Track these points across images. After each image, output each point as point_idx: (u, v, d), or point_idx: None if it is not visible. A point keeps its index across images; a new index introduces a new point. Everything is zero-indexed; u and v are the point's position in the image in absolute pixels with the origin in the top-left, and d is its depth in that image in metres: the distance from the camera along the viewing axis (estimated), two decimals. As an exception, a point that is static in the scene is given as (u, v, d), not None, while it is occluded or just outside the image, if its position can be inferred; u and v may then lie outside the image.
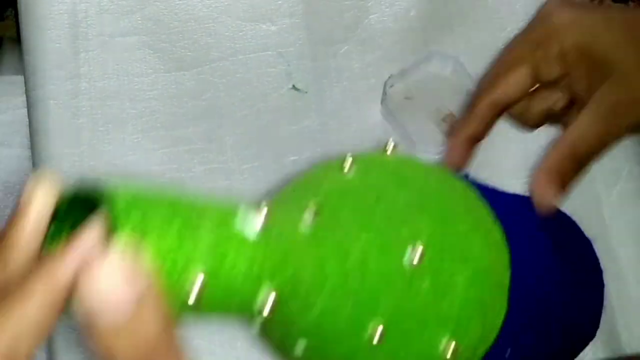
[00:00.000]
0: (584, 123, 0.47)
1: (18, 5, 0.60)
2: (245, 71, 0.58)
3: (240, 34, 0.59)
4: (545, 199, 0.47)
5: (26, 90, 0.58)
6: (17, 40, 0.66)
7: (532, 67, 0.49)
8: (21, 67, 0.59)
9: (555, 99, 0.51)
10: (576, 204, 0.53)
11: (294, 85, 0.58)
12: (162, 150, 0.56)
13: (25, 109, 0.58)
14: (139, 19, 0.59)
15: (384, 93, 0.57)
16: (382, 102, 0.57)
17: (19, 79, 0.60)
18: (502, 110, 0.50)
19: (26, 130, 0.58)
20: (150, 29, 0.59)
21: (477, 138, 0.51)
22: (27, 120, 0.58)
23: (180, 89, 0.58)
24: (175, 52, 0.59)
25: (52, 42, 0.58)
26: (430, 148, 0.55)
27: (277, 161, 0.56)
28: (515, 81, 0.50)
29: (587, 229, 0.51)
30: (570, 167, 0.48)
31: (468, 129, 0.50)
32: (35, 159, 0.57)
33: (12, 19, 0.87)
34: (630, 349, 0.49)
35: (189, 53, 0.59)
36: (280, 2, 0.60)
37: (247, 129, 0.57)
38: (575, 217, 0.51)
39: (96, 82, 0.57)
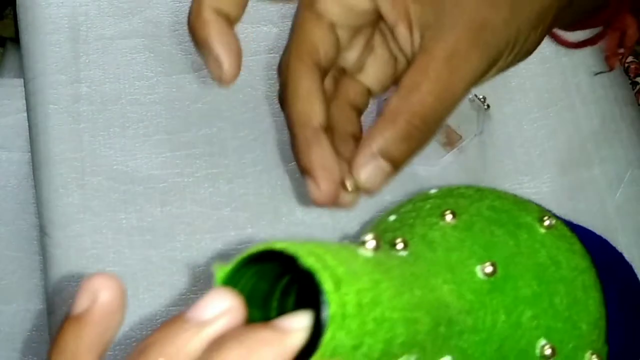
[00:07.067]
0: (420, 87, 0.36)
1: (17, 9, 0.59)
2: (247, 74, 0.58)
3: (242, 36, 0.58)
4: (377, 186, 0.37)
5: (26, 94, 0.58)
6: (17, 41, 0.66)
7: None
8: (22, 70, 0.59)
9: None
10: (580, 208, 0.53)
11: (295, 88, 0.58)
12: (163, 154, 0.56)
13: (26, 113, 0.58)
14: (139, 21, 0.59)
15: (378, 108, 0.56)
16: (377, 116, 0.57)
17: (20, 82, 0.60)
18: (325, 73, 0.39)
19: (27, 134, 0.58)
20: (151, 32, 0.58)
21: (321, 124, 0.37)
22: (28, 124, 0.58)
23: (182, 92, 0.57)
24: (176, 55, 0.58)
25: (52, 46, 0.57)
26: (428, 161, 0.55)
27: (280, 165, 0.56)
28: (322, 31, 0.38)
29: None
30: (406, 148, 0.37)
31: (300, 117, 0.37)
32: (36, 163, 0.56)
33: (12, 19, 0.86)
34: None
35: (189, 56, 0.58)
36: (281, 3, 0.59)
37: (249, 133, 0.57)
38: (579, 222, 0.50)
39: (97, 86, 0.57)
